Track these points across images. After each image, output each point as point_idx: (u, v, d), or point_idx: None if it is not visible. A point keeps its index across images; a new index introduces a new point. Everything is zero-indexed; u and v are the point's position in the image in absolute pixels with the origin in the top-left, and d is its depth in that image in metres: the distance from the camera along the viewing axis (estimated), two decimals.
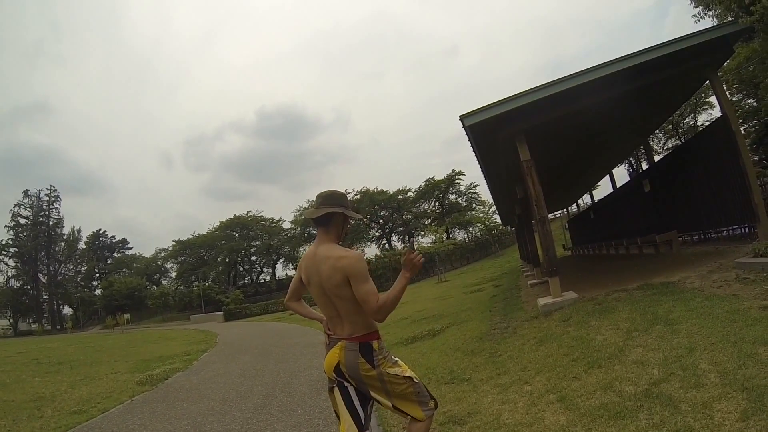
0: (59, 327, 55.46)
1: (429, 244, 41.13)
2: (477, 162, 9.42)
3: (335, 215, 2.35)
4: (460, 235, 58.88)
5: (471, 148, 8.22)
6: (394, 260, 45.04)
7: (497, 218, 41.10)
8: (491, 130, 7.13)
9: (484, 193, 55.33)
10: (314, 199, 2.51)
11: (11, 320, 57.00)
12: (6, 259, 57.69)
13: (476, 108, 6.91)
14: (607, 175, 18.56)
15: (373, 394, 2.27)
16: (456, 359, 5.67)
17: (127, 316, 46.56)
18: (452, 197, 62.48)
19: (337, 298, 2.27)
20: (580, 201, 30.70)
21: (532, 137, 7.36)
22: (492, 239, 50.56)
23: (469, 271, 30.93)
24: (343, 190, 2.53)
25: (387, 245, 61.81)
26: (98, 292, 59.04)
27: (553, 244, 7.12)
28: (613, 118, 9.38)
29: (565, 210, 33.63)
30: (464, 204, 61.48)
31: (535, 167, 7.15)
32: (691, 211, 10.01)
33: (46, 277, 59.42)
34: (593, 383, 3.41)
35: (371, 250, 60.88)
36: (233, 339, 16.57)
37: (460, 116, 6.96)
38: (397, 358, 2.42)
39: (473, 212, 58.70)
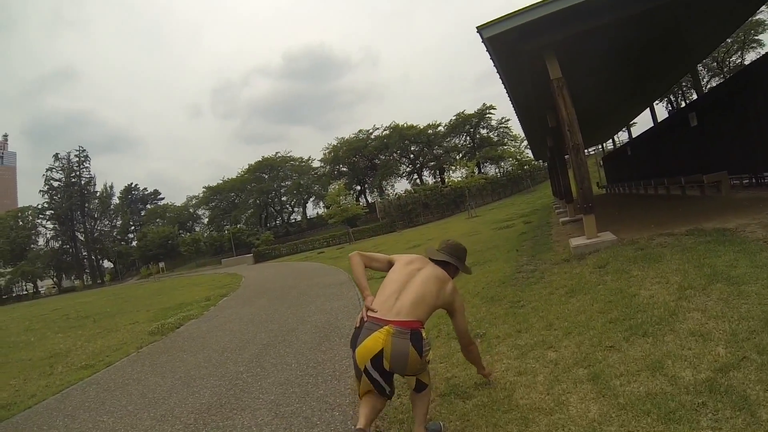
0: (99, 281, 58.60)
1: (459, 179, 40.17)
2: (503, 85, 8.20)
3: (451, 265, 2.78)
4: (491, 170, 57.86)
5: (501, 82, 7.07)
6: (424, 195, 44.28)
7: (529, 153, 39.35)
8: (515, 44, 5.93)
9: (516, 127, 53.35)
10: (439, 247, 2.90)
11: (55, 279, 60.81)
12: (44, 222, 60.89)
13: (497, 17, 5.70)
14: (647, 110, 16.61)
15: (405, 375, 2.36)
16: (474, 307, 4.99)
17: (161, 264, 48.89)
18: (483, 132, 60.92)
19: (425, 285, 2.47)
20: (616, 138, 28.54)
21: (564, 54, 6.14)
22: (524, 174, 49.68)
23: (500, 207, 29.90)
24: (460, 245, 2.93)
25: (418, 180, 61.20)
26: (134, 244, 61.30)
27: (588, 176, 6.09)
28: (657, 36, 7.87)
29: (599, 146, 31.58)
30: (496, 138, 59.88)
31: (568, 87, 5.98)
32: (744, 151, 8.68)
33: (83, 235, 62.27)
34: (637, 359, 2.62)
35: (402, 185, 60.61)
36: (256, 281, 16.63)
37: (477, 27, 5.77)
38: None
39: (505, 147, 57.14)
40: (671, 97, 41.62)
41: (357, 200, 58.36)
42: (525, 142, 34.00)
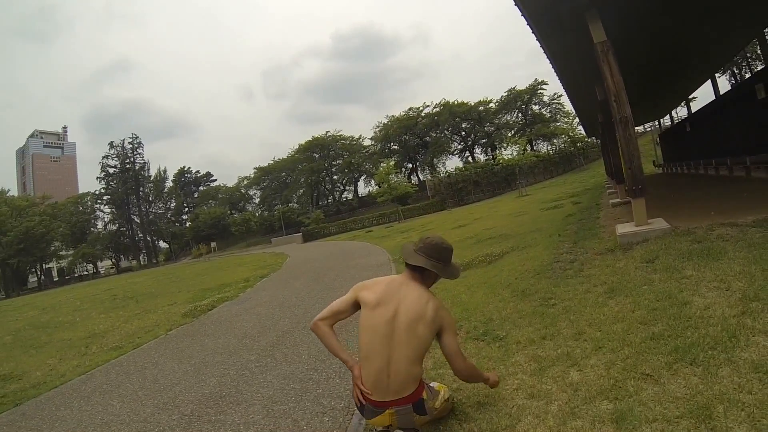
0: (154, 261, 62.00)
1: (510, 157, 38.85)
2: (544, 53, 7.35)
3: (429, 270, 2.34)
4: (543, 148, 55.82)
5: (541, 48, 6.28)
6: (474, 173, 43.12)
7: (582, 130, 37.11)
8: (552, 3, 5.16)
9: (569, 104, 50.08)
10: (416, 246, 2.46)
11: (113, 260, 64.78)
12: (102, 207, 64.57)
13: None
14: (707, 83, 14.69)
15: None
16: (501, 301, 4.49)
17: (213, 244, 50.62)
18: (535, 108, 58.69)
19: (409, 334, 2.15)
20: (674, 113, 25.97)
21: (609, 14, 5.32)
22: (576, 152, 47.67)
23: (552, 186, 28.47)
24: (442, 244, 2.44)
25: (470, 158, 60.08)
26: (188, 225, 64.09)
27: (638, 155, 5.27)
28: None
29: (656, 122, 29.13)
30: (548, 115, 57.55)
31: (614, 53, 5.15)
32: None
33: (138, 218, 65.77)
34: (679, 398, 2.02)
35: (453, 163, 59.74)
36: (299, 262, 16.73)
37: None
38: (433, 383, 2.43)
39: (557, 124, 54.67)
40: (734, 69, 37.39)
41: (408, 178, 58.49)
42: (578, 119, 32.03)
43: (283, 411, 3.28)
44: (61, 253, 61.63)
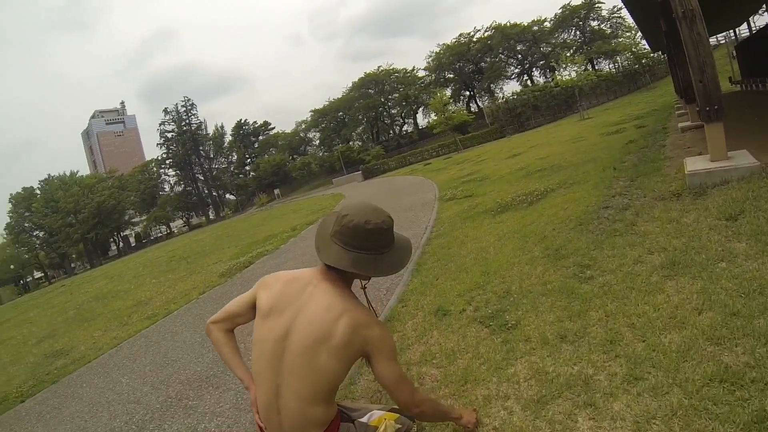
0: (222, 215, 64.81)
1: (570, 77, 35.53)
2: None
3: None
4: (606, 66, 50.64)
5: None
6: (533, 97, 40.35)
7: (645, 45, 32.75)
8: None
9: (630, 18, 44.36)
10: (332, 230, 1.51)
11: (184, 219, 68.48)
12: (166, 171, 67.26)
13: None
14: None
15: None
16: (528, 263, 3.68)
17: (276, 191, 52.72)
18: (594, 24, 52.82)
19: (304, 362, 1.37)
20: (751, 21, 21.59)
21: None
22: (642, 69, 42.95)
23: (616, 107, 25.65)
24: (368, 225, 1.44)
25: (528, 81, 56.39)
26: (251, 175, 65.43)
27: (712, 63, 3.93)
28: None
29: (731, 32, 24.37)
30: (608, 31, 51.64)
31: None
32: None
33: (202, 175, 68.26)
34: None
35: (512, 87, 56.54)
36: (352, 202, 16.38)
37: None
38: (372, 413, 1.66)
39: (619, 40, 49.15)
40: None
41: (467, 106, 56.27)
42: (640, 33, 28.08)
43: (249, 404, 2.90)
44: (134, 220, 66.57)
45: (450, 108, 43.10)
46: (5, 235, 58.54)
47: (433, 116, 48.59)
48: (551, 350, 2.29)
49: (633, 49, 43.80)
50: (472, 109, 54.06)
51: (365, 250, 1.44)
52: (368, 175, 39.20)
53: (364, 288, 1.70)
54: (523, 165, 10.50)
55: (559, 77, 41.87)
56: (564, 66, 46.02)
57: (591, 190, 5.50)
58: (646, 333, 2.13)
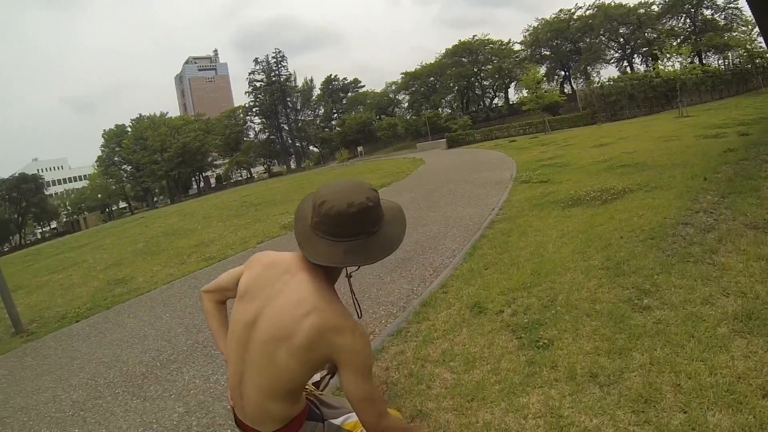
0: (303, 165, 66.92)
1: (672, 69, 32.27)
2: None
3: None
4: (714, 62, 45.29)
5: None
6: (630, 85, 37.40)
7: (763, 43, 28.43)
8: None
9: (748, 10, 38.75)
10: (312, 221, 1.29)
11: (265, 165, 71.30)
12: (252, 118, 69.93)
13: None
14: None
15: None
16: (584, 271, 3.29)
17: (360, 149, 53.87)
18: (707, 13, 46.51)
19: (263, 357, 1.23)
20: None
21: None
22: (755, 70, 38.28)
23: (719, 108, 22.84)
24: (350, 210, 1.21)
25: (628, 68, 52.10)
26: (337, 130, 66.37)
27: None
28: None
29: None
30: (722, 22, 45.40)
31: None
32: None
33: (287, 125, 70.54)
34: None
35: (609, 72, 52.78)
36: (428, 171, 16.28)
37: None
38: (343, 417, 1.48)
39: (733, 34, 43.35)
40: None
41: (561, 87, 53.87)
42: (757, 29, 24.21)
43: (210, 392, 2.93)
44: (217, 162, 70.60)
45: (542, 86, 41.26)
46: (96, 167, 64.48)
47: (524, 93, 46.79)
48: (575, 389, 1.97)
49: (747, 46, 39.25)
50: (565, 91, 51.46)
51: (355, 236, 1.24)
52: (452, 144, 38.65)
53: (348, 277, 1.52)
54: (607, 157, 9.80)
55: (660, 67, 38.40)
56: (668, 56, 41.94)
57: (673, 199, 4.86)
58: (691, 402, 1.72)
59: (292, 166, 69.05)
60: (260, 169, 73.06)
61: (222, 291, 1.52)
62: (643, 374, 1.95)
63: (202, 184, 68.98)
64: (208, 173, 71.29)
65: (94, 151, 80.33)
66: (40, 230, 63.51)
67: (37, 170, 69.26)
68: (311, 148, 73.92)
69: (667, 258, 3.20)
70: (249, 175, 70.70)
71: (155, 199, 67.39)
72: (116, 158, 62.07)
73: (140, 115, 64.74)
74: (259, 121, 69.56)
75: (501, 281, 3.53)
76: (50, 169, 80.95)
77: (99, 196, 64.23)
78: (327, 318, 1.19)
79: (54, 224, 64.91)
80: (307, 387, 1.56)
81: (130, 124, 64.13)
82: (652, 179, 6.17)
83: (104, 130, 63.07)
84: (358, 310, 1.68)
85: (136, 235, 15.57)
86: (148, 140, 60.23)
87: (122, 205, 69.68)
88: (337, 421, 1.46)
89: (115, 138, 61.99)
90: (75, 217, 61.52)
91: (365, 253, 1.23)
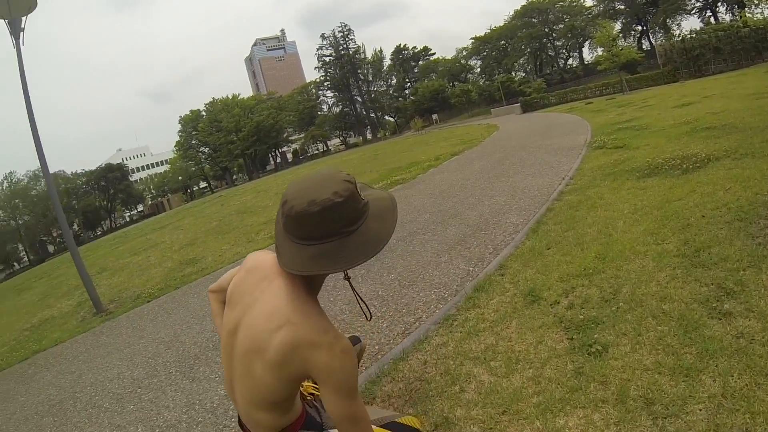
0: (378, 136, 67.41)
1: (763, 17, 27.94)
2: None
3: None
4: None
5: None
6: (715, 38, 33.13)
7: None
8: None
9: None
10: (284, 225, 1.13)
11: (341, 137, 72.76)
12: (325, 92, 71.15)
13: None
14: None
15: None
16: (655, 260, 2.80)
17: (435, 116, 53.82)
18: None
19: (243, 368, 1.17)
20: None
21: None
22: None
23: None
24: (324, 209, 1.05)
25: (711, 18, 45.82)
26: (410, 99, 66.23)
27: None
28: None
29: None
30: None
31: None
32: None
33: (360, 97, 71.03)
34: None
35: (690, 24, 47.20)
36: (502, 137, 15.80)
37: None
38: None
39: None
40: None
41: (638, 43, 49.68)
42: None
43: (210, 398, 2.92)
44: (292, 138, 72.86)
45: (618, 44, 38.18)
46: (175, 151, 68.99)
47: (599, 51, 44.00)
48: (624, 416, 1.63)
49: None
50: (643, 47, 47.34)
51: (326, 238, 1.07)
52: (527, 109, 37.35)
53: (347, 278, 1.34)
54: (690, 118, 8.70)
55: (749, 16, 33.28)
56: (756, 2, 36.69)
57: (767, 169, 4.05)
58: None
59: (368, 137, 69.76)
60: (336, 141, 74.67)
61: (223, 291, 1.46)
62: (712, 409, 1.54)
63: (278, 160, 71.70)
64: (285, 149, 73.71)
65: (172, 137, 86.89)
66: (128, 214, 69.56)
67: (122, 159, 76.16)
68: (386, 118, 74.09)
69: (757, 247, 2.60)
70: (325, 148, 72.42)
71: (234, 177, 71.18)
72: (193, 141, 66.08)
73: (213, 98, 67.88)
74: (331, 94, 70.61)
75: (562, 264, 3.19)
76: (133, 157, 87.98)
77: (180, 178, 69.05)
78: (300, 333, 1.06)
79: (140, 207, 71.05)
80: (313, 392, 1.48)
81: (204, 108, 67.58)
82: (742, 144, 5.23)
83: (180, 116, 66.94)
84: (367, 313, 1.53)
85: (212, 215, 16.51)
86: (222, 122, 63.36)
87: (203, 185, 74.20)
88: None
89: (191, 123, 65.78)
90: (159, 199, 67.25)
91: (336, 258, 1.06)
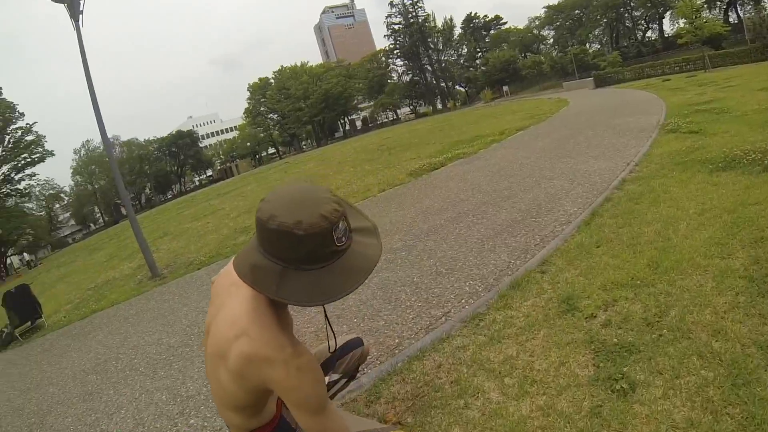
0: (448, 106, 66.08)
1: None
2: None
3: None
4: None
5: None
6: None
7: None
8: None
9: None
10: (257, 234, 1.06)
11: (411, 106, 72.01)
12: (394, 61, 70.16)
13: None
14: None
15: None
16: (715, 278, 2.38)
17: (505, 88, 52.44)
18: None
19: (212, 370, 1.18)
20: None
21: None
22: None
23: None
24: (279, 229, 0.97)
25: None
26: (481, 69, 64.45)
27: None
28: None
29: None
30: None
31: None
32: None
33: (430, 66, 69.45)
34: None
35: None
36: (571, 113, 15.01)
37: None
38: None
39: None
40: None
41: (725, 15, 44.35)
42: None
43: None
44: (362, 105, 73.26)
45: (702, 15, 34.52)
46: (244, 118, 71.29)
47: (680, 23, 39.69)
48: None
49: None
50: (730, 20, 42.32)
51: (274, 257, 0.99)
52: (600, 83, 35.22)
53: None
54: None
55: None
56: None
57: None
58: None
59: (438, 106, 68.50)
60: (406, 110, 74.18)
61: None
62: None
63: (347, 127, 72.31)
64: (354, 116, 74.23)
65: (241, 105, 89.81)
66: (198, 178, 73.62)
67: (192, 126, 78.91)
68: (457, 88, 72.47)
69: None
70: (395, 117, 72.22)
71: (302, 143, 72.92)
72: (262, 108, 67.93)
73: (282, 66, 68.99)
74: (401, 63, 69.72)
75: (608, 269, 2.85)
76: (203, 124, 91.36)
77: (248, 144, 71.49)
78: (255, 347, 1.03)
79: (209, 172, 74.62)
80: None
81: (273, 76, 68.88)
82: None
83: (249, 84, 68.65)
84: (332, 343, 1.49)
85: (274, 182, 17.02)
86: (290, 89, 64.57)
87: (271, 150, 76.49)
88: None
89: (259, 90, 67.43)
90: (228, 164, 70.11)
91: (271, 284, 0.99)
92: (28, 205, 41.18)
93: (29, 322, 6.83)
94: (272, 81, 68.81)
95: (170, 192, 67.10)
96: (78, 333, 5.01)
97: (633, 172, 5.10)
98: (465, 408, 1.95)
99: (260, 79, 68.85)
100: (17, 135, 33.51)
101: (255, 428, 1.25)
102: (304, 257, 0.97)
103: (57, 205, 55.08)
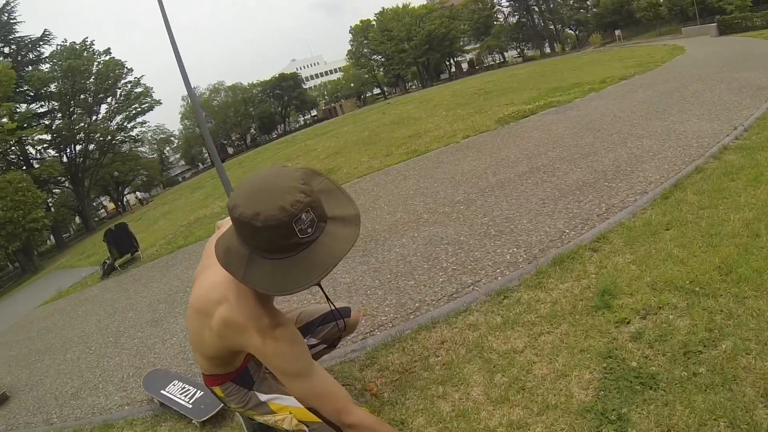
0: (556, 51, 60.63)
1: None
2: None
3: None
4: None
5: None
6: None
7: None
8: None
9: None
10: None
11: (518, 50, 67.18)
12: (500, 1, 64.67)
13: None
14: None
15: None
16: (741, 317, 1.82)
17: (618, 32, 47.89)
18: None
19: (194, 325, 1.34)
20: None
21: None
22: None
23: None
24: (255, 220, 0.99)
25: None
26: (592, 11, 58.33)
27: None
28: None
29: None
30: None
31: None
32: None
33: (537, 7, 63.33)
34: None
35: None
36: (683, 62, 13.00)
37: None
38: (270, 398, 1.44)
39: None
40: None
41: None
42: None
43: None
44: (468, 47, 69.91)
45: None
46: (348, 60, 71.94)
47: None
48: None
49: None
50: None
51: (243, 244, 1.05)
52: (724, 30, 29.89)
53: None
54: None
55: None
56: None
57: None
58: None
59: (547, 50, 63.43)
60: (514, 53, 69.97)
61: None
62: None
63: (453, 70, 70.03)
64: (459, 58, 71.52)
65: (344, 47, 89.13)
66: (303, 118, 76.26)
67: (296, 69, 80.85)
68: (567, 30, 66.58)
69: None
70: (502, 60, 68.39)
71: (410, 84, 72.15)
72: (365, 50, 67.93)
73: (383, 8, 67.76)
74: (506, 3, 64.65)
75: (668, 261, 2.30)
76: (306, 66, 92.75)
77: (352, 85, 72.82)
78: (231, 314, 1.12)
79: (314, 112, 77.11)
80: None
81: (375, 18, 67.97)
82: None
83: (350, 26, 68.60)
84: (341, 325, 1.76)
85: (370, 123, 17.04)
86: (393, 31, 63.49)
87: (376, 91, 77.17)
88: (263, 397, 1.43)
89: (361, 32, 67.17)
90: (332, 105, 71.81)
91: (239, 267, 1.03)
92: (141, 149, 47.02)
93: (129, 254, 8.03)
94: (374, 23, 68.14)
95: (275, 132, 71.15)
96: (163, 266, 5.67)
97: (739, 138, 4.12)
98: (440, 398, 1.83)
99: (362, 22, 68.58)
100: (128, 88, 37.20)
101: (219, 374, 1.39)
102: (265, 247, 1.00)
103: (168, 148, 62.23)
